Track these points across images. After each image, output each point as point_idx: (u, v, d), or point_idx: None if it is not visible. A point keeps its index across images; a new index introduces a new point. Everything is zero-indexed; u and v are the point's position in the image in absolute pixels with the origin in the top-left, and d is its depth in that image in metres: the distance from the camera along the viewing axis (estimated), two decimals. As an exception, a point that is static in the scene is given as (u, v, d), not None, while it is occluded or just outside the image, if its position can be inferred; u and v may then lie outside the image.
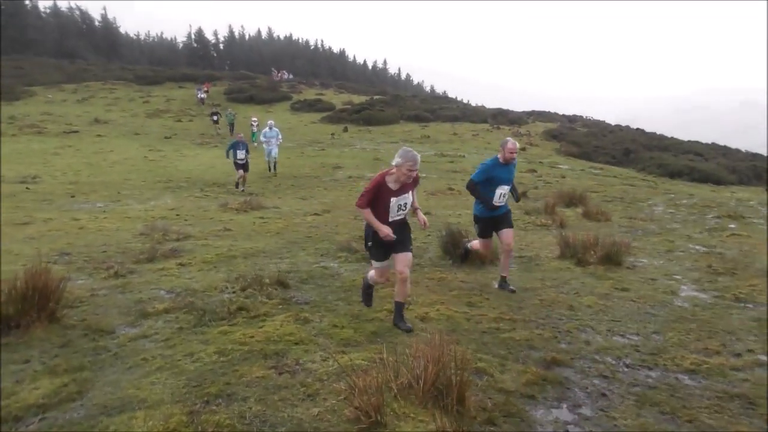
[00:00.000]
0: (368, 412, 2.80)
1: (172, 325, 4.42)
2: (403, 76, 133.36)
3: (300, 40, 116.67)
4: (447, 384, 2.96)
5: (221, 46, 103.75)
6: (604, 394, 3.36)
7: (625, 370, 3.72)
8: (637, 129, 48.47)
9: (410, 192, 4.40)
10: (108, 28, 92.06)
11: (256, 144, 24.33)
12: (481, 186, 5.64)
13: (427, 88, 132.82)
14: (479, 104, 63.61)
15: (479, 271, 6.60)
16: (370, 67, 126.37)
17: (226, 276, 5.95)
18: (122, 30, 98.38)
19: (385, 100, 47.21)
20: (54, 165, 19.15)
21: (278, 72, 66.09)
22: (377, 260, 4.57)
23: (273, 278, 5.63)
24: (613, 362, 3.86)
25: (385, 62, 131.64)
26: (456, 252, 6.91)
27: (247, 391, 3.27)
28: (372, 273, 4.73)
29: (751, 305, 5.33)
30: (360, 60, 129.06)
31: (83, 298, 5.14)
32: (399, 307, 4.54)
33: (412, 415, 2.94)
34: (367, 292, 4.99)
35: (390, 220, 4.35)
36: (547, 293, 5.65)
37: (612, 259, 7.01)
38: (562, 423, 3.02)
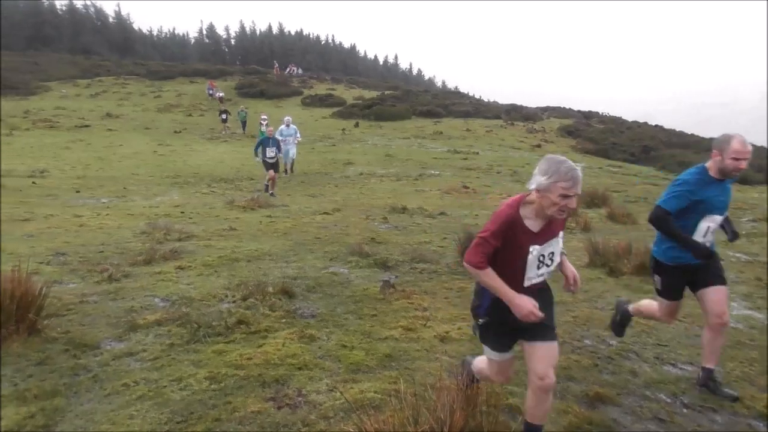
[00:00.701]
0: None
1: (163, 341, 3.95)
2: (415, 71, 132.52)
3: (311, 35, 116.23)
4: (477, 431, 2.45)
5: (232, 41, 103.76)
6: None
7: (684, 411, 3.18)
8: (656, 126, 47.54)
9: (559, 235, 2.61)
10: (122, 24, 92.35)
11: None
12: (676, 216, 3.35)
13: (439, 84, 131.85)
14: (492, 100, 62.77)
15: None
16: (381, 62, 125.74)
17: (226, 282, 5.48)
18: (135, 26, 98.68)
19: (397, 95, 46.62)
20: (64, 159, 18.87)
21: (287, 67, 65.71)
22: (496, 350, 2.70)
23: (277, 286, 5.15)
24: (669, 400, 3.32)
25: (396, 57, 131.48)
26: (616, 322, 4.06)
27: (240, 430, 2.79)
28: (482, 364, 2.89)
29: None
30: (371, 55, 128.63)
31: (71, 305, 4.69)
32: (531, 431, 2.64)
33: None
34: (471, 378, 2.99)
35: (526, 284, 2.54)
36: (581, 308, 5.11)
37: (648, 268, 6.45)
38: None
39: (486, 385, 2.93)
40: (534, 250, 2.48)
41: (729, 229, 3.51)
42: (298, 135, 17.45)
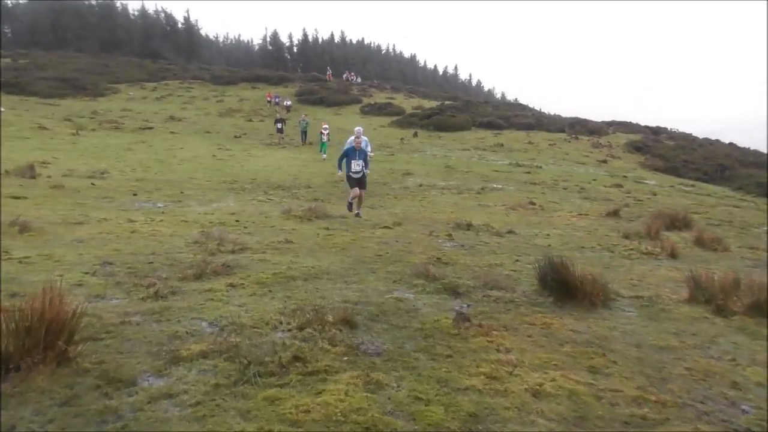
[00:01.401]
0: None
1: (208, 379, 3.39)
2: (474, 82, 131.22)
3: (372, 44, 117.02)
4: None
5: (295, 48, 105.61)
6: None
7: None
8: (730, 143, 44.83)
9: None
10: (190, 29, 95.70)
11: (325, 156, 23.44)
12: None
13: (498, 95, 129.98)
14: (554, 113, 60.94)
15: (591, 315, 5.25)
16: (440, 73, 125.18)
17: (281, 305, 4.91)
18: (203, 32, 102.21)
19: (457, 106, 45.83)
20: (125, 160, 19.12)
21: (344, 74, 66.29)
22: None
23: (338, 314, 4.53)
24: None
25: (456, 68, 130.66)
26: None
27: None
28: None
29: None
30: (431, 65, 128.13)
31: (111, 326, 4.22)
32: None
33: None
34: None
35: None
36: (694, 358, 4.25)
37: (763, 308, 5.48)
38: None
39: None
40: None
41: None
42: (369, 149, 13.94)
